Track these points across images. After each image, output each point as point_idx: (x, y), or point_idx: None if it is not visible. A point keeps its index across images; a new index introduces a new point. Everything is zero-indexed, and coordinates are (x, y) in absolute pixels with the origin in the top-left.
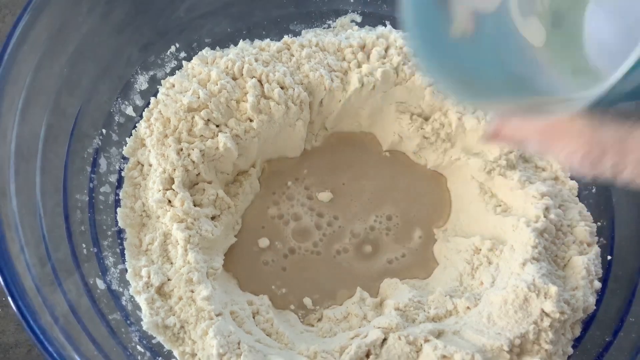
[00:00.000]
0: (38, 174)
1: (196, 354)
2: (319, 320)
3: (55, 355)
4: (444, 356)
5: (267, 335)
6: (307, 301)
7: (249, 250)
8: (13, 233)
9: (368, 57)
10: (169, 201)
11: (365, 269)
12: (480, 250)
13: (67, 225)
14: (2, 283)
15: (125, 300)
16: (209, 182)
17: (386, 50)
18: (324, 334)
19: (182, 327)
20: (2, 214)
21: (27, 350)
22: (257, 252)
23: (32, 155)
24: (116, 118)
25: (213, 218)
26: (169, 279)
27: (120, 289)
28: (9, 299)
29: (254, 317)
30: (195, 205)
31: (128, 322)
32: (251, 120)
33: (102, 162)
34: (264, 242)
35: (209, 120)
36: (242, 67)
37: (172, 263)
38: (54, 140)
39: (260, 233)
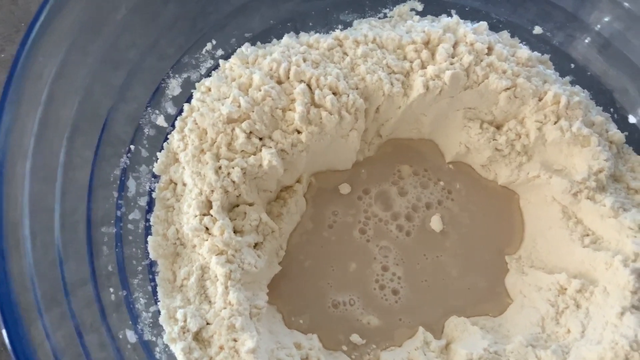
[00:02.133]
0: (57, 204)
1: None
2: None
3: None
4: None
5: None
6: (355, 338)
7: (299, 287)
8: (27, 285)
9: (433, 56)
10: (207, 229)
11: (426, 302)
12: (567, 290)
13: (91, 266)
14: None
15: (159, 352)
16: (251, 204)
17: (454, 47)
18: None
19: None
20: (12, 262)
21: None
22: (310, 295)
23: (50, 181)
24: (146, 130)
25: (255, 245)
26: (208, 323)
27: (153, 338)
28: None
29: None
30: (235, 233)
31: None
32: (299, 132)
33: (131, 183)
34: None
35: (251, 133)
36: (289, 69)
37: (210, 302)
38: (77, 163)
39: (309, 275)
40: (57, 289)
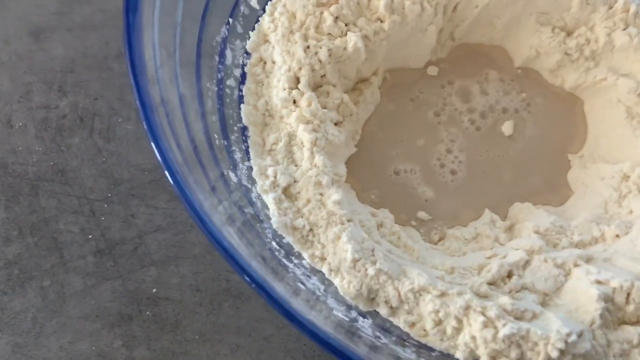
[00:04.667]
0: (177, 53)
1: (325, 258)
2: (442, 239)
3: (214, 231)
4: (599, 281)
5: (396, 247)
6: (422, 214)
7: (368, 161)
8: (162, 113)
9: None
10: (295, 101)
11: (491, 191)
12: (629, 177)
13: (202, 111)
14: (159, 158)
15: (255, 197)
16: (334, 85)
17: None
18: (452, 253)
19: (311, 229)
20: (150, 90)
21: (133, 247)
22: (377, 165)
23: (171, 42)
24: (242, 8)
25: (336, 124)
26: (295, 181)
27: (249, 186)
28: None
29: (378, 229)
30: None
31: (260, 218)
32: (382, 21)
33: (228, 53)
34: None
35: (337, 17)
36: None
37: (297, 165)
38: (190, 23)
39: (380, 146)
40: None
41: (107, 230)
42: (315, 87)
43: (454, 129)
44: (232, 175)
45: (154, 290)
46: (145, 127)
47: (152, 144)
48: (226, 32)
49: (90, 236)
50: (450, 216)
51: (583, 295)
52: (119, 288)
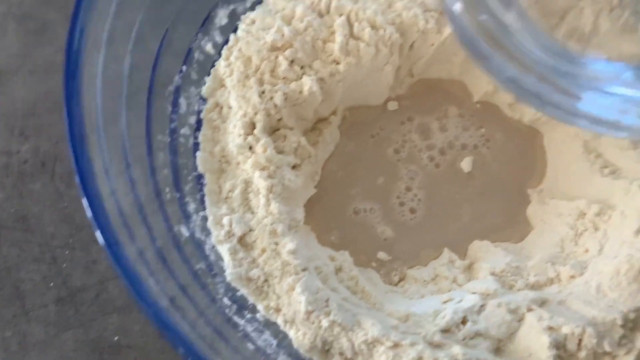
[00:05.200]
0: (124, 110)
1: (281, 310)
2: (402, 279)
3: (141, 290)
4: (551, 327)
5: (353, 294)
6: (382, 255)
7: (328, 202)
8: (101, 168)
9: None
10: (250, 147)
11: (451, 229)
12: (586, 215)
13: (150, 166)
14: (91, 214)
15: (209, 250)
16: (291, 129)
17: None
18: (410, 296)
19: (266, 280)
20: (90, 147)
21: (95, 294)
22: (337, 205)
23: (117, 94)
24: (196, 55)
25: (294, 167)
26: (251, 230)
27: (203, 238)
28: (97, 231)
29: (336, 274)
30: (276, 153)
31: (212, 272)
32: (337, 63)
33: (182, 102)
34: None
35: (293, 61)
36: (330, 3)
37: (253, 213)
38: (138, 76)
39: (340, 185)
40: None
41: (69, 277)
42: (272, 131)
43: (413, 166)
44: (183, 229)
45: (116, 338)
46: (82, 195)
47: (89, 212)
48: (180, 80)
49: (51, 284)
50: (410, 256)
51: (535, 342)
52: (80, 337)
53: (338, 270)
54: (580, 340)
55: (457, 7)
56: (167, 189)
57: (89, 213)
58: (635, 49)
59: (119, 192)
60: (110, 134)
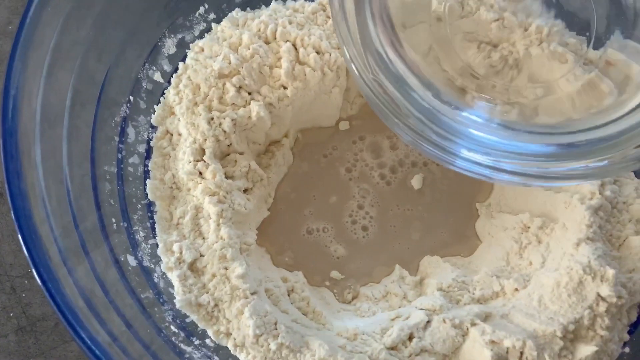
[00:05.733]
0: (65, 142)
1: (231, 334)
2: (355, 297)
3: (78, 329)
4: (493, 341)
5: (304, 314)
6: (335, 274)
7: (282, 223)
8: (39, 201)
9: None
10: (200, 173)
11: (402, 246)
12: (529, 228)
13: (95, 198)
14: (26, 253)
15: (157, 277)
16: (241, 153)
17: None
18: (362, 314)
19: (216, 305)
20: (27, 182)
21: (54, 323)
22: (290, 226)
23: (58, 123)
24: (144, 84)
25: (245, 191)
26: (201, 255)
27: (152, 266)
28: (33, 270)
29: (289, 295)
30: (227, 178)
31: (161, 300)
32: (285, 88)
33: (130, 131)
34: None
35: (240, 87)
36: (276, 30)
37: (204, 238)
38: (81, 108)
39: (293, 206)
40: (65, 209)
41: (28, 306)
42: (223, 157)
43: (365, 184)
44: (130, 258)
45: None
46: (16, 226)
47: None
48: (127, 110)
49: (11, 314)
50: (363, 273)
51: (478, 356)
52: None
53: (290, 291)
54: (521, 354)
55: (352, 67)
56: (114, 220)
57: (26, 252)
58: None
59: (59, 229)
60: (48, 167)
